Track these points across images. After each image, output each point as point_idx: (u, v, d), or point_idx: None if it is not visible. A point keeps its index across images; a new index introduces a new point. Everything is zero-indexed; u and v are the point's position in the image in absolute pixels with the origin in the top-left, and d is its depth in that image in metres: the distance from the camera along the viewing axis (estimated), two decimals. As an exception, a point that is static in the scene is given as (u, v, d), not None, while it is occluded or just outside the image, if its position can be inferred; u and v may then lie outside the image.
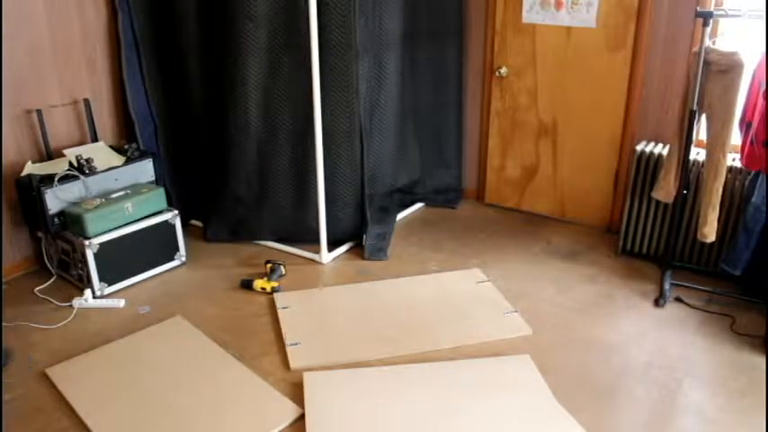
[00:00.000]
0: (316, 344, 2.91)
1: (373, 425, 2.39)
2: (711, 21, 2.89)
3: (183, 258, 3.64)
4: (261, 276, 3.44)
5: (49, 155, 3.48)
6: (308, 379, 2.63)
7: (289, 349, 2.88)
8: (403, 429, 2.37)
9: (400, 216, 4.28)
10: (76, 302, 3.23)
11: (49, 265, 3.49)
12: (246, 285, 3.39)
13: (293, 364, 2.78)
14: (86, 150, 3.49)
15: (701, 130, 3.23)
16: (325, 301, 3.27)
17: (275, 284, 3.38)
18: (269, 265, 3.49)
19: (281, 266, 3.50)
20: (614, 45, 3.68)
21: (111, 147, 3.63)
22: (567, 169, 4.10)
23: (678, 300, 3.25)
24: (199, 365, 2.76)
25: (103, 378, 2.67)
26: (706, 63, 2.96)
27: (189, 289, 3.41)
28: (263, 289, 3.36)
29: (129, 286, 3.41)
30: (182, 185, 4.07)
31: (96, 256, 3.24)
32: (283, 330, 3.02)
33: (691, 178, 3.33)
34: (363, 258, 3.70)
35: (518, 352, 2.83)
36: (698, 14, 2.91)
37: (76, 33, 3.53)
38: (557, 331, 3.00)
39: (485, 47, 4.12)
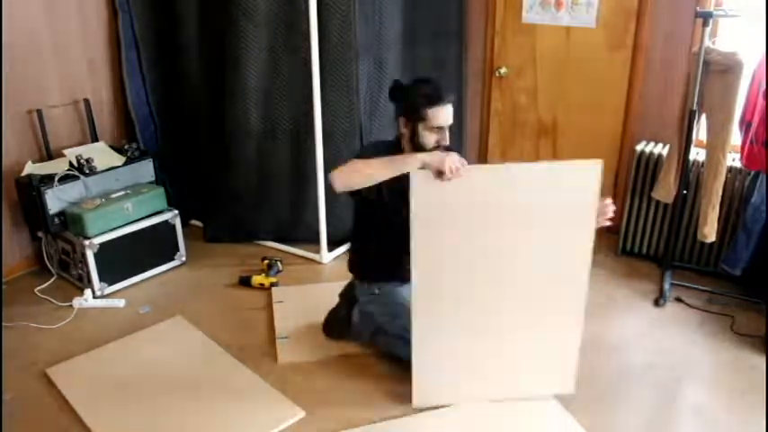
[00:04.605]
0: (304, 338, 2.91)
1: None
2: (711, 21, 2.89)
3: (183, 258, 3.64)
4: (258, 273, 3.44)
5: (50, 155, 3.47)
6: None
7: (278, 343, 2.88)
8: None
9: (400, 216, 4.27)
10: (76, 302, 3.22)
11: (49, 265, 3.48)
12: (245, 282, 3.39)
13: (281, 358, 2.79)
14: (86, 150, 3.49)
15: (700, 130, 3.23)
16: (321, 296, 3.26)
17: (273, 280, 3.38)
18: (266, 262, 3.49)
19: (279, 262, 3.50)
20: (614, 45, 3.68)
21: (111, 147, 3.63)
22: (566, 169, 4.10)
23: (678, 300, 3.25)
24: (199, 365, 2.76)
25: (103, 378, 2.67)
26: (706, 63, 2.96)
27: (189, 289, 3.41)
28: (262, 285, 3.36)
29: (129, 286, 3.41)
30: (182, 185, 4.06)
31: (96, 256, 3.24)
32: (275, 324, 3.02)
33: (691, 178, 3.32)
34: (363, 258, 3.70)
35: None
36: (698, 14, 2.91)
37: (76, 33, 3.53)
38: (557, 331, 2.99)
39: (485, 47, 4.11)
